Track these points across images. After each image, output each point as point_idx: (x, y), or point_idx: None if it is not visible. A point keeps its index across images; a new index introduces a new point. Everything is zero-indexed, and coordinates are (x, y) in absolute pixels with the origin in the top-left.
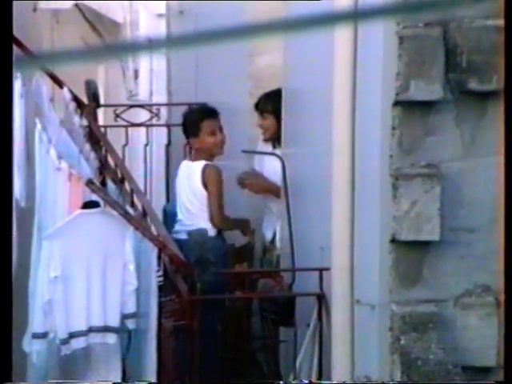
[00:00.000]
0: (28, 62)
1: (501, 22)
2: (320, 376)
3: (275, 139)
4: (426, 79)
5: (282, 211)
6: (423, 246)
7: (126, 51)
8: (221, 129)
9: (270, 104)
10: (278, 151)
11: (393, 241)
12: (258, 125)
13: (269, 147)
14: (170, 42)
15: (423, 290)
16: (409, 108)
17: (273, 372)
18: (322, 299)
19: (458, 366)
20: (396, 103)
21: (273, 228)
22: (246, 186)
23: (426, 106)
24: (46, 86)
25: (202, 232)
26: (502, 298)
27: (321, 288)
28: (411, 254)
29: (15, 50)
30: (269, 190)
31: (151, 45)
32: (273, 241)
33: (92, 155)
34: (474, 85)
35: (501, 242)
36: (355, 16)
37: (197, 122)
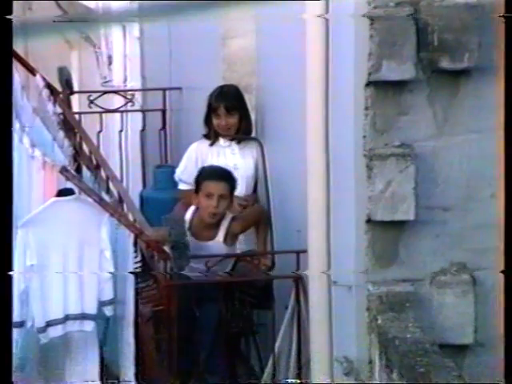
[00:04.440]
0: None
1: None
2: (299, 357)
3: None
4: (397, 59)
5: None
6: (399, 225)
7: (98, 20)
8: (222, 196)
9: (236, 101)
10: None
11: (368, 221)
12: (220, 124)
13: (233, 144)
14: (142, 12)
15: (399, 270)
16: (381, 88)
17: (253, 354)
18: (299, 281)
19: (436, 344)
20: (368, 84)
21: None
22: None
23: (399, 85)
24: (18, 73)
25: (177, 217)
26: (478, 275)
27: (298, 270)
28: (387, 234)
29: None
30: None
31: (123, 14)
32: None
33: (66, 142)
34: (445, 63)
35: (475, 220)
36: None
37: (199, 179)
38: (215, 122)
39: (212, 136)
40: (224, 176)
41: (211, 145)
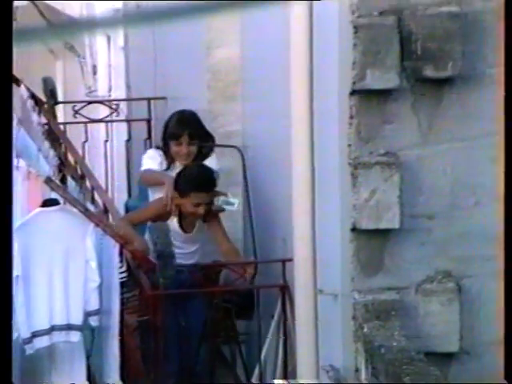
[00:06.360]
0: None
1: (454, 8)
2: (285, 366)
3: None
4: (381, 68)
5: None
6: (384, 233)
7: (84, 28)
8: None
9: (199, 128)
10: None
11: (353, 229)
12: (181, 152)
13: None
14: (127, 18)
15: (385, 278)
16: (366, 97)
17: (238, 364)
18: (285, 290)
19: (421, 352)
20: (353, 92)
21: None
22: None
23: (383, 94)
24: None
25: (162, 226)
26: (463, 283)
27: (284, 279)
28: (372, 243)
29: None
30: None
31: (108, 21)
32: None
33: (51, 153)
34: (429, 72)
35: (460, 228)
36: None
37: (186, 188)
38: (175, 149)
39: (169, 161)
40: (211, 185)
41: (167, 169)
